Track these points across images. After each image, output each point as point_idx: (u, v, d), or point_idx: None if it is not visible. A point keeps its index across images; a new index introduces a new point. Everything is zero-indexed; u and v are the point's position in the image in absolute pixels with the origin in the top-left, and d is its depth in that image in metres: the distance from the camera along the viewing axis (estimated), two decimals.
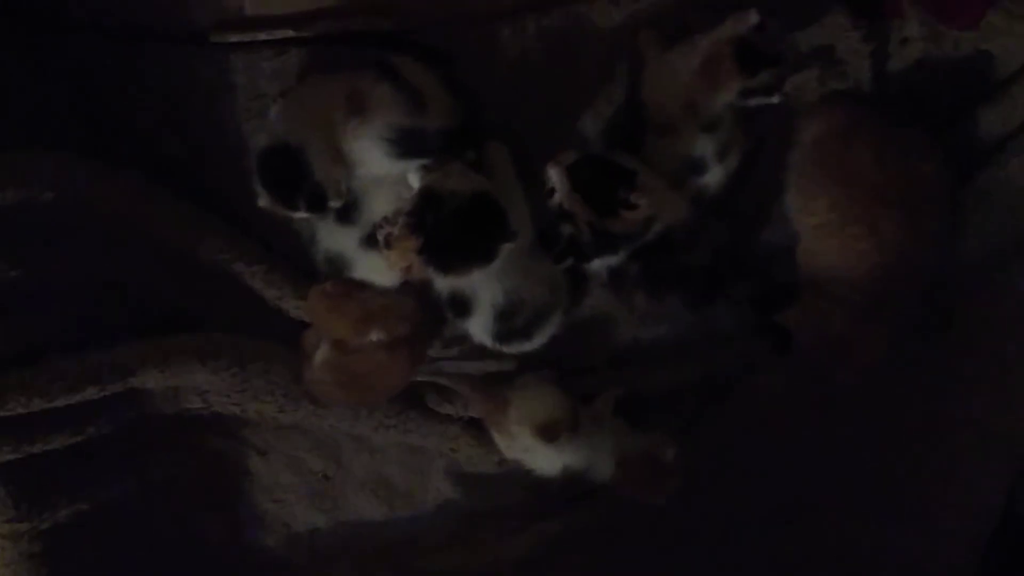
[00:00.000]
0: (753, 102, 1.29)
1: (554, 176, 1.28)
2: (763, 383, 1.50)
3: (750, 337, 1.48)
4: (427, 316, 1.43)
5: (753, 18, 1.23)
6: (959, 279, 1.40)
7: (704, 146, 1.33)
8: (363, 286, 1.40)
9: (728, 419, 1.53)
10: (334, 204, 1.30)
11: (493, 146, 1.37)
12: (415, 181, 1.30)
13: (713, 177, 1.35)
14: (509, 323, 1.38)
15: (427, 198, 1.24)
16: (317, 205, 1.29)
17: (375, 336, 1.39)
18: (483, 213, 1.25)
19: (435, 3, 1.33)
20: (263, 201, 1.30)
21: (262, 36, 1.34)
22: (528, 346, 1.43)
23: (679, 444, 1.39)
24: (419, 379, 1.50)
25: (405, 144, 1.27)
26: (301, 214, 1.31)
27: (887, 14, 1.30)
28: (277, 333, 1.50)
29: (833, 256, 1.36)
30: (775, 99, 1.29)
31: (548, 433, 1.38)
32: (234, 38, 1.35)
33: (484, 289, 1.35)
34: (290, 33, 1.33)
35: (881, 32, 1.33)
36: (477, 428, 1.55)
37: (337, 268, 1.40)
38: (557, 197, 1.29)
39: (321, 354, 1.42)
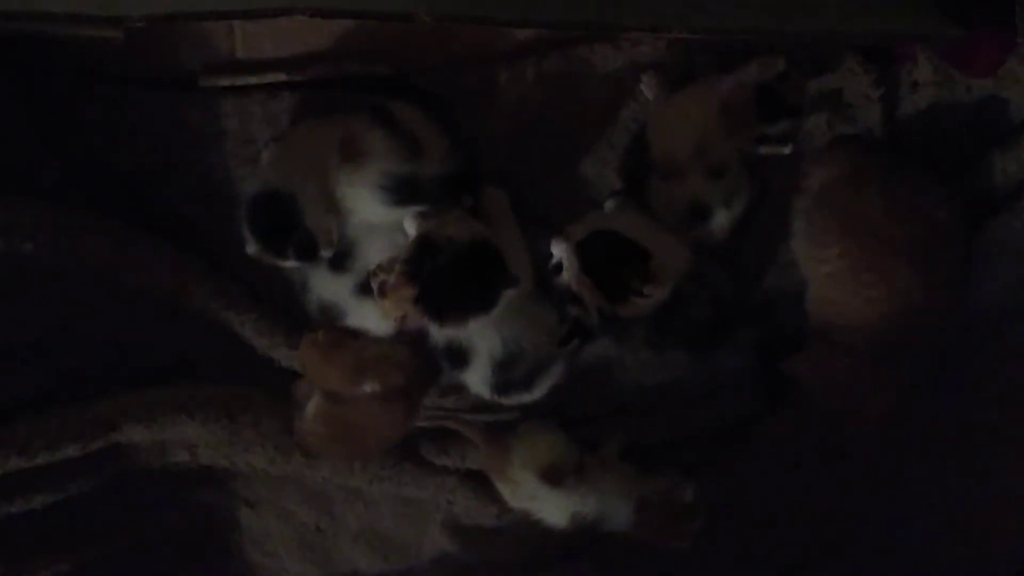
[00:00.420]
0: (764, 150, 1.27)
1: (562, 254, 1.24)
2: (771, 429, 1.47)
3: (755, 383, 1.46)
4: (423, 366, 1.39)
5: (780, 65, 1.21)
6: (973, 329, 1.35)
7: (711, 191, 1.30)
8: (357, 335, 1.37)
9: (735, 465, 1.49)
10: (325, 254, 1.27)
11: (492, 192, 1.35)
12: (411, 228, 1.26)
13: (718, 223, 1.32)
14: (508, 374, 1.35)
15: (424, 246, 1.21)
16: (307, 254, 1.27)
17: (369, 387, 1.36)
18: (482, 261, 1.22)
19: (432, 47, 1.30)
20: (251, 248, 1.26)
21: (253, 80, 1.31)
22: (528, 397, 1.40)
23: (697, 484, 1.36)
24: (422, 424, 1.47)
25: (400, 191, 1.24)
26: (290, 263, 1.27)
27: (898, 58, 1.27)
28: (268, 383, 1.47)
29: (843, 304, 1.34)
30: (786, 150, 1.26)
31: (553, 476, 1.37)
32: (224, 82, 1.32)
33: (482, 339, 1.32)
34: (282, 77, 1.30)
35: (891, 76, 1.30)
36: (475, 480, 1.52)
37: (330, 317, 1.37)
38: (565, 277, 1.24)
39: (313, 405, 1.40)
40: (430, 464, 1.52)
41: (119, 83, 1.33)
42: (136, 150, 1.37)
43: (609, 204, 1.38)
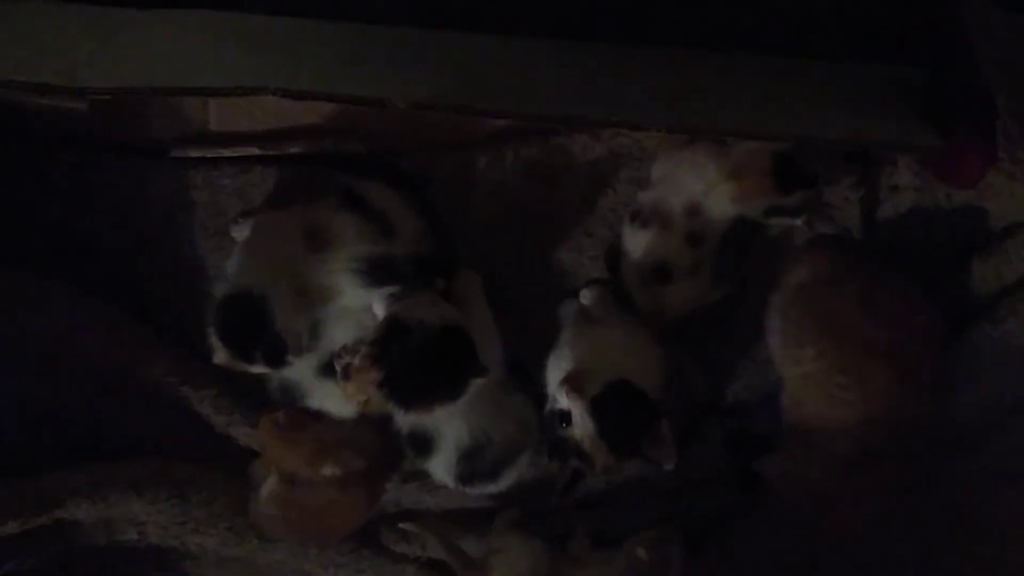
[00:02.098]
0: (775, 221, 1.26)
1: (575, 411, 1.19)
2: (742, 530, 1.44)
3: (725, 481, 1.44)
4: (385, 452, 1.37)
5: None
6: (950, 436, 1.32)
7: (681, 254, 1.27)
8: (318, 417, 1.34)
9: (706, 565, 1.44)
10: (292, 359, 1.23)
11: (466, 275, 1.33)
12: (380, 309, 1.23)
13: (676, 294, 1.29)
14: (474, 464, 1.32)
15: (392, 328, 1.18)
16: (275, 360, 1.23)
17: (328, 471, 1.33)
18: (452, 346, 1.19)
19: (410, 128, 1.29)
20: (220, 357, 1.22)
21: (225, 152, 1.30)
22: (494, 488, 1.37)
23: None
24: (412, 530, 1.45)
25: (374, 272, 1.22)
26: (258, 368, 1.23)
27: (878, 161, 1.26)
28: (225, 462, 1.43)
29: (819, 406, 1.31)
30: (799, 221, 1.25)
31: None
32: (195, 153, 1.31)
33: (448, 427, 1.29)
34: (254, 151, 1.28)
35: (871, 178, 1.29)
36: (434, 569, 1.48)
37: (291, 396, 1.34)
38: (576, 434, 1.20)
39: (269, 486, 1.36)
40: (389, 551, 1.49)
41: (87, 149, 1.31)
42: (101, 218, 1.35)
43: (585, 294, 1.36)
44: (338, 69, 0.99)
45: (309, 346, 1.27)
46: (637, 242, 1.30)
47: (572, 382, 1.18)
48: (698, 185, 1.25)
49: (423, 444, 1.31)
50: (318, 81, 0.97)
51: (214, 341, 1.21)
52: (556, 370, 1.24)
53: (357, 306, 1.25)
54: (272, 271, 1.21)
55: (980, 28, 1.01)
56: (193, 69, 0.97)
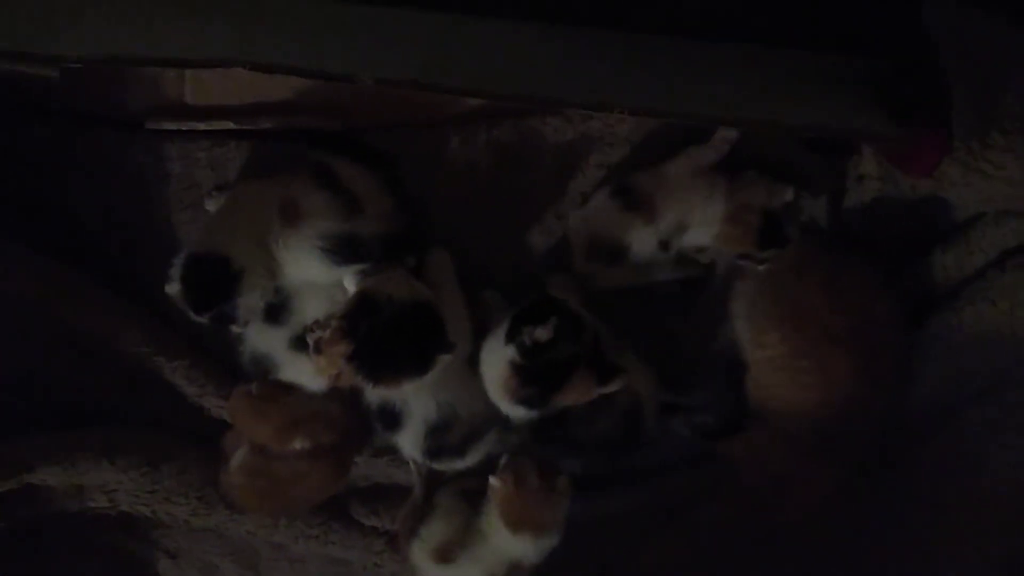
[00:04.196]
0: (740, 262, 1.30)
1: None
2: (706, 514, 1.45)
3: (690, 467, 1.44)
4: (355, 425, 1.38)
5: (789, 196, 1.25)
6: (909, 423, 1.35)
7: (643, 249, 1.31)
8: (289, 390, 1.34)
9: (669, 549, 1.46)
10: (238, 328, 1.27)
11: (437, 253, 1.34)
12: (351, 285, 1.25)
13: (612, 275, 1.33)
14: (441, 439, 1.33)
15: (362, 303, 1.19)
16: (223, 322, 1.26)
17: (298, 443, 1.34)
18: (420, 323, 1.20)
19: (384, 106, 1.30)
20: (171, 289, 1.23)
21: (200, 126, 1.31)
22: (461, 464, 1.39)
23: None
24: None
25: (340, 250, 1.23)
26: (200, 319, 1.24)
27: (844, 151, 1.28)
28: (197, 432, 1.44)
29: (782, 389, 1.33)
30: (760, 268, 1.29)
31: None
32: (171, 126, 1.31)
33: (416, 402, 1.30)
34: (230, 125, 1.29)
35: (838, 168, 1.30)
36: None
37: (263, 369, 1.35)
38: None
39: (239, 457, 1.37)
40: (359, 524, 1.50)
41: (63, 119, 1.31)
42: (76, 188, 1.36)
43: (557, 279, 1.37)
44: (309, 44, 0.99)
45: (281, 318, 1.29)
46: (609, 216, 1.30)
47: None
48: (700, 212, 1.28)
49: (391, 418, 1.32)
50: (289, 55, 0.98)
51: (173, 279, 1.22)
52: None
53: (326, 281, 1.26)
54: (246, 239, 1.23)
55: (939, 20, 1.03)
56: (165, 40, 0.97)
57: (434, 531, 1.38)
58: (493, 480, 1.30)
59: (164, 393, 1.41)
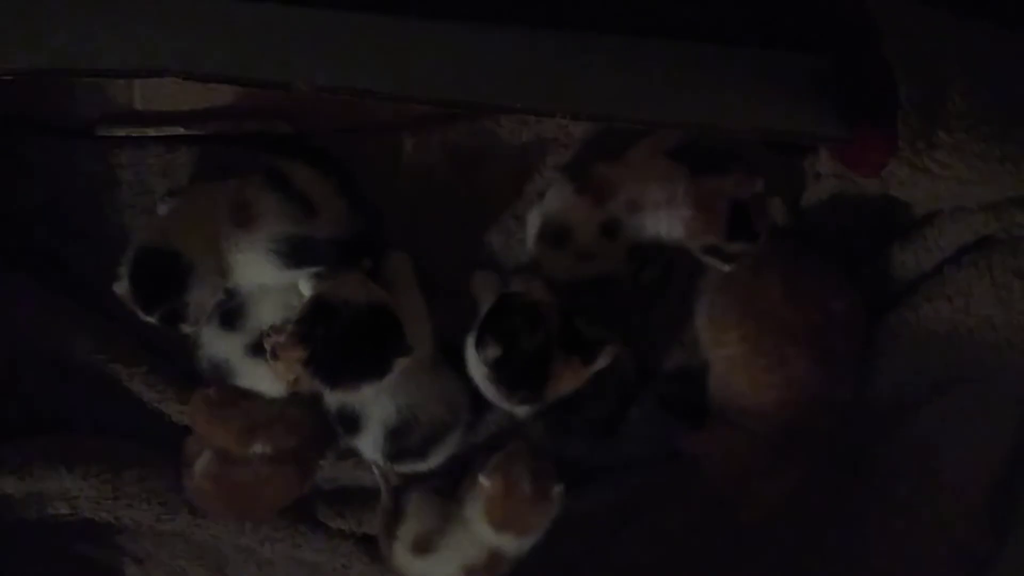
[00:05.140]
0: (705, 258, 1.27)
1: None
2: (669, 508, 1.45)
3: (655, 463, 1.44)
4: (317, 429, 1.38)
5: (759, 187, 1.22)
6: (870, 418, 1.35)
7: (586, 234, 1.28)
8: (248, 394, 1.34)
9: (633, 542, 1.46)
10: (187, 328, 1.25)
11: (396, 256, 1.33)
12: (306, 289, 1.24)
13: (556, 261, 1.29)
14: (401, 442, 1.33)
15: (317, 307, 1.19)
16: (170, 322, 1.24)
17: (259, 448, 1.34)
18: (377, 326, 1.20)
19: (336, 109, 1.29)
20: (120, 287, 1.22)
21: (151, 132, 1.30)
22: (423, 466, 1.38)
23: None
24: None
25: (292, 253, 1.23)
26: (150, 318, 1.24)
27: (800, 148, 1.27)
28: (158, 438, 1.43)
29: (742, 387, 1.34)
30: (726, 268, 1.26)
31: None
32: (121, 132, 1.30)
33: (375, 405, 1.30)
34: (180, 130, 1.28)
35: (795, 165, 1.30)
36: (372, 544, 1.48)
37: (220, 375, 1.34)
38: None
39: (202, 463, 1.37)
40: (325, 527, 1.49)
41: (11, 124, 1.30)
42: (26, 194, 1.35)
43: (520, 274, 1.36)
44: (247, 51, 0.98)
45: (236, 324, 1.29)
46: (561, 196, 1.29)
47: None
48: (657, 193, 1.25)
49: (351, 422, 1.32)
50: (224, 64, 0.96)
51: (122, 276, 1.21)
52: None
53: (280, 285, 1.25)
54: (197, 237, 1.23)
55: (886, 17, 1.02)
56: (98, 50, 0.96)
57: (410, 528, 1.38)
58: (483, 479, 1.29)
59: (123, 400, 1.40)
